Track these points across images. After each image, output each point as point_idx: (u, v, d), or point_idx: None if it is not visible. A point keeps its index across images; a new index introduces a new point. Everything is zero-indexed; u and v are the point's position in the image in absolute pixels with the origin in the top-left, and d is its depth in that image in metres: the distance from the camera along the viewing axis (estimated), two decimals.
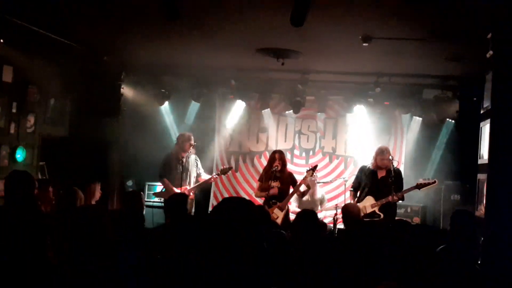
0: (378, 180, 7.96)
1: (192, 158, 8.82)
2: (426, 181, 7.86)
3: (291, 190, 8.24)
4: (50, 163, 8.52)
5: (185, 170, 8.61)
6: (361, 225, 6.09)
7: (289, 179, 8.33)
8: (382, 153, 7.96)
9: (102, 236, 3.18)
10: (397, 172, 8.08)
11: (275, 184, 8.18)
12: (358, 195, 8.16)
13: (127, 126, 9.46)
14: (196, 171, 8.87)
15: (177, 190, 8.28)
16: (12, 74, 7.51)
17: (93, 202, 6.80)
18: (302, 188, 8.36)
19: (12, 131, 7.64)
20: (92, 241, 3.13)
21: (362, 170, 8.25)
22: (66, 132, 9.08)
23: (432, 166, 9.99)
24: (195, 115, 10.72)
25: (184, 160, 8.53)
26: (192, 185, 8.71)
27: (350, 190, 8.47)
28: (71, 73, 8.51)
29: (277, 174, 8.21)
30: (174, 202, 5.70)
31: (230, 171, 9.22)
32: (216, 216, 2.36)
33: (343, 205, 7.07)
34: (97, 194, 6.96)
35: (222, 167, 9.08)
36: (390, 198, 7.63)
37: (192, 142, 8.68)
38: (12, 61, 7.40)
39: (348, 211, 6.64)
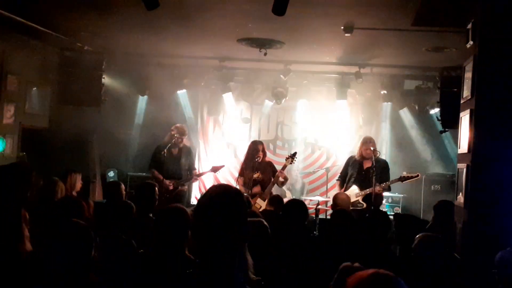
0: (364, 170, 8.05)
1: (185, 150, 8.74)
2: (409, 174, 8.01)
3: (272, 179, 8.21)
4: (30, 153, 8.43)
5: (172, 161, 8.53)
6: (344, 215, 6.12)
7: (269, 168, 8.30)
8: (366, 143, 8.05)
9: (81, 227, 3.16)
10: (383, 162, 8.20)
11: (256, 175, 8.15)
12: (345, 185, 8.23)
13: (108, 116, 9.37)
14: (187, 163, 8.75)
15: (166, 181, 8.30)
16: None
17: (74, 193, 6.75)
18: (281, 178, 8.34)
19: None
20: (71, 232, 3.10)
21: (349, 160, 8.35)
22: (47, 122, 9.00)
23: (413, 157, 10.07)
24: (176, 105, 10.66)
25: (170, 151, 8.44)
26: (183, 177, 8.66)
27: (337, 180, 8.57)
28: (52, 62, 8.41)
29: (257, 165, 8.18)
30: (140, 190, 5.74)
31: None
32: (205, 204, 2.32)
33: (332, 195, 7.16)
34: (78, 184, 6.91)
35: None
36: (374, 188, 7.68)
37: (176, 133, 8.59)
38: None
39: (336, 201, 6.72)
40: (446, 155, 9.96)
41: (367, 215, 5.85)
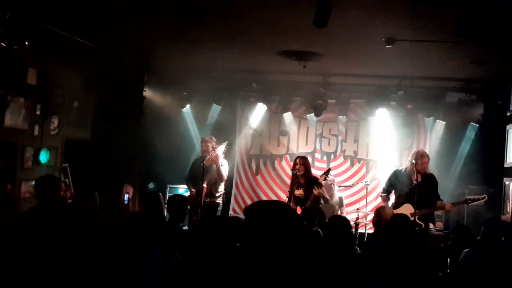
0: (414, 186, 7.56)
1: (216, 162, 8.62)
2: (476, 197, 7.61)
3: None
4: (73, 165, 8.59)
5: (204, 173, 8.44)
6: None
7: (312, 185, 7.81)
8: (423, 157, 7.69)
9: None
10: (433, 177, 7.83)
11: (297, 192, 7.96)
12: (393, 200, 7.88)
13: (149, 128, 9.49)
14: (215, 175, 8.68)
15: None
16: (36, 77, 7.58)
17: (125, 202, 6.85)
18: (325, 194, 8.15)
19: (36, 133, 7.70)
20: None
21: (396, 174, 7.93)
22: (89, 135, 9.14)
23: (455, 171, 9.87)
24: (216, 118, 10.74)
25: (204, 163, 8.41)
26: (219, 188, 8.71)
27: (382, 195, 8.14)
28: (94, 75, 8.57)
29: (300, 181, 7.96)
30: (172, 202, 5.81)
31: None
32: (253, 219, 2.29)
33: (367, 210, 6.98)
34: (132, 195, 7.02)
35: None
36: (439, 209, 7.53)
37: (207, 144, 8.66)
38: (37, 63, 7.47)
39: (381, 216, 6.35)
40: (488, 169, 9.73)
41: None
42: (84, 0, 6.17)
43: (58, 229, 4.40)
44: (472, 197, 7.64)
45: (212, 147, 8.59)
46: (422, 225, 7.44)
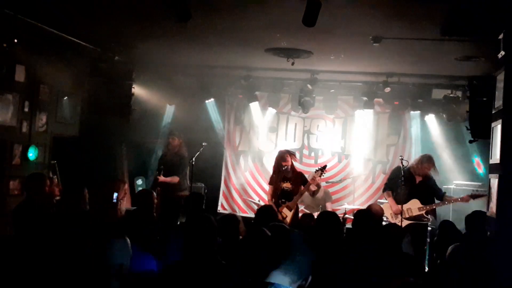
0: (417, 184, 8.19)
1: (176, 160, 9.13)
2: (479, 193, 8.02)
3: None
4: (61, 161, 8.59)
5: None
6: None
7: (299, 179, 8.23)
8: (430, 161, 8.20)
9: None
10: (433, 178, 8.33)
11: (285, 185, 8.15)
12: (395, 195, 8.29)
13: (137, 125, 9.50)
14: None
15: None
16: (25, 74, 7.58)
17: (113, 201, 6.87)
18: (312, 187, 8.32)
19: (24, 130, 7.71)
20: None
21: (399, 172, 8.16)
22: (77, 131, 9.14)
23: (441, 167, 9.96)
24: (204, 114, 10.76)
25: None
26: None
27: (386, 191, 8.52)
28: (83, 72, 8.57)
29: (287, 175, 8.19)
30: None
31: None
32: None
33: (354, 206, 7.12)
34: (122, 193, 7.04)
35: None
36: (445, 202, 8.11)
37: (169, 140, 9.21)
38: (25, 60, 7.47)
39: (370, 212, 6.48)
40: (472, 165, 9.88)
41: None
42: None
43: (45, 226, 4.40)
44: (475, 193, 8.06)
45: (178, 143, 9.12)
46: (429, 218, 8.13)
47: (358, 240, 4.82)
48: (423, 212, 8.01)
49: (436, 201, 8.25)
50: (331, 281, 4.14)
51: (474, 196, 7.96)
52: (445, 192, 8.33)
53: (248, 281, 3.35)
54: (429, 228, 8.85)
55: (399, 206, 7.95)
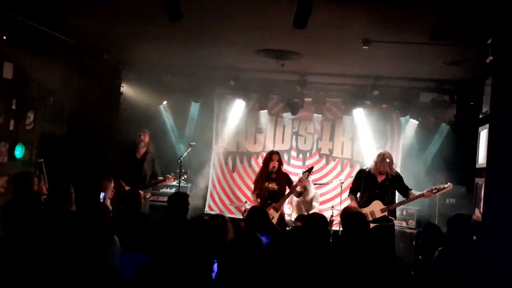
0: (379, 184, 7.84)
1: (149, 158, 8.98)
2: (440, 186, 7.78)
3: (287, 191, 8.21)
4: (48, 160, 8.53)
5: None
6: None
7: (285, 180, 8.27)
8: (383, 159, 7.81)
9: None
10: (396, 174, 8.03)
11: (271, 185, 8.16)
12: (359, 198, 7.99)
13: (126, 124, 9.47)
14: (152, 171, 9.01)
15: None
16: (13, 71, 7.50)
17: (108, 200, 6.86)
18: (298, 188, 8.35)
19: (11, 127, 7.62)
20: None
21: (361, 173, 8.09)
22: (65, 130, 9.08)
23: (427, 170, 10.02)
24: (193, 114, 10.76)
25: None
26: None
27: (350, 195, 8.22)
28: (71, 70, 8.51)
29: (273, 176, 8.19)
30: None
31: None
32: None
33: (342, 208, 7.06)
34: (109, 192, 7.01)
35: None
36: (407, 200, 7.78)
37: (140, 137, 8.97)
38: (13, 58, 7.39)
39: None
40: (460, 169, 9.91)
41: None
42: None
43: (34, 224, 4.39)
44: (436, 187, 7.77)
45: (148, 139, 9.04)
46: (392, 219, 7.74)
47: (348, 242, 4.84)
48: (386, 213, 7.66)
49: (398, 200, 8.07)
50: (321, 283, 4.15)
51: (435, 190, 7.70)
52: (410, 189, 7.90)
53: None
54: (414, 232, 8.89)
55: (361, 210, 7.45)
